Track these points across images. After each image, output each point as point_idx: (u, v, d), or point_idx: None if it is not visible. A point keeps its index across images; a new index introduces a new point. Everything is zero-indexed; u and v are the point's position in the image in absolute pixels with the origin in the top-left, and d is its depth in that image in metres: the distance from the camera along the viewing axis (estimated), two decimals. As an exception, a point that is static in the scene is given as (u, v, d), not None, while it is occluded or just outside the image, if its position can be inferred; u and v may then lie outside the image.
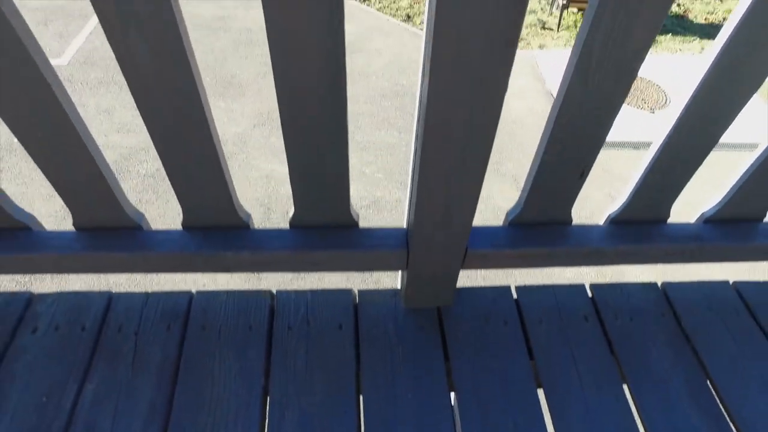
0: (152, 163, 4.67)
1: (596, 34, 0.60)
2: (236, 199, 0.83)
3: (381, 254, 0.84)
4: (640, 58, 0.63)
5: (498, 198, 4.45)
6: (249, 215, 0.87)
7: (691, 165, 0.83)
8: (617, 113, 0.71)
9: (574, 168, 0.78)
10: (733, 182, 0.92)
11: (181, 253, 0.83)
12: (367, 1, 7.21)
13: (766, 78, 0.70)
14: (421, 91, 0.64)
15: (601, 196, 4.89)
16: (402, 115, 5.12)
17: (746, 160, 0.90)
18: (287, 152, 0.73)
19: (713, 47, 0.68)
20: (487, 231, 0.88)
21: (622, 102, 0.70)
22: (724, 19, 7.81)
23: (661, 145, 0.79)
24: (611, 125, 0.72)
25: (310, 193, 0.79)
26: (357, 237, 0.85)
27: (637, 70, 0.65)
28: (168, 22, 0.55)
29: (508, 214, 0.89)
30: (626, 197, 0.90)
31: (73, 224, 0.87)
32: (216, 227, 0.85)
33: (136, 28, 0.55)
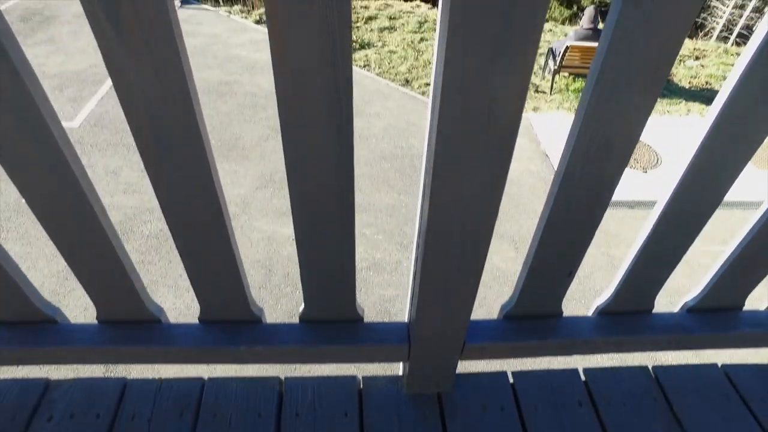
0: (156, 223, 4.75)
1: (577, 159, 0.69)
2: (250, 296, 0.90)
3: (384, 348, 0.90)
4: (614, 181, 0.72)
5: (497, 258, 4.51)
6: (261, 310, 0.93)
7: (673, 260, 0.90)
8: (599, 222, 0.79)
9: (562, 269, 0.85)
10: (712, 274, 0.99)
11: (198, 347, 0.89)
12: (367, 67, 7.56)
13: (750, 158, 0.74)
14: (421, 210, 0.72)
15: (598, 255, 4.94)
16: (401, 177, 5.27)
17: (722, 253, 0.98)
18: (299, 256, 0.81)
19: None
20: (484, 325, 0.94)
21: (603, 213, 0.78)
22: (707, 83, 8.18)
23: (644, 240, 0.86)
24: (594, 233, 0.80)
25: (320, 292, 0.86)
26: (362, 331, 0.91)
27: (614, 189, 0.74)
28: (200, 158, 0.64)
29: (502, 308, 0.96)
30: (612, 290, 0.97)
31: (97, 318, 0.93)
32: (230, 321, 0.91)
33: (172, 165, 0.64)
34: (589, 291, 4.50)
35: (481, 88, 0.54)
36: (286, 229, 4.61)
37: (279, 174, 5.27)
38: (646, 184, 5.84)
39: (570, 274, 0.86)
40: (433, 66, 0.58)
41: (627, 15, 0.52)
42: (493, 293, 4.30)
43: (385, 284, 4.15)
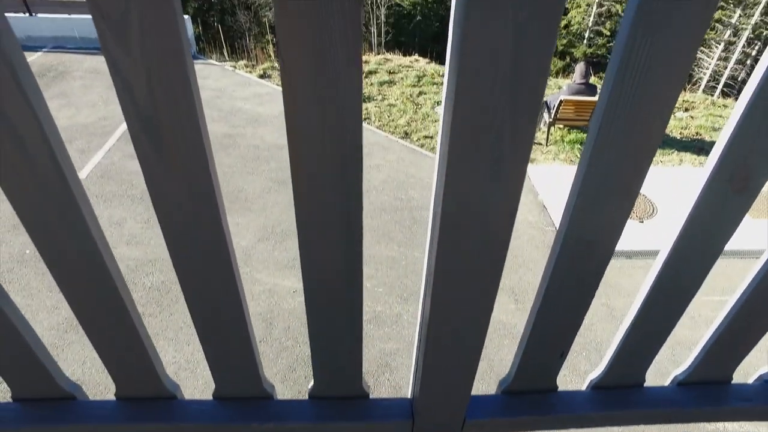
0: (158, 275, 4.79)
1: (564, 257, 0.76)
2: (263, 374, 0.95)
3: (389, 424, 0.95)
4: (600, 272, 0.79)
5: (497, 311, 4.53)
6: (272, 386, 0.98)
7: (664, 332, 0.96)
8: (588, 308, 0.86)
9: (555, 350, 0.91)
10: (699, 347, 1.05)
11: (212, 424, 0.93)
12: (367, 120, 7.82)
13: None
14: (423, 309, 0.79)
15: (597, 305, 4.98)
16: (401, 229, 5.36)
17: (709, 327, 1.03)
18: (311, 340, 0.87)
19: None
20: (483, 400, 0.99)
21: (591, 299, 0.85)
22: (697, 133, 8.43)
23: (636, 311, 0.92)
24: (583, 318, 0.87)
25: (329, 371, 0.92)
26: (368, 408, 0.95)
27: (600, 279, 0.81)
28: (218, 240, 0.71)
29: (500, 383, 1.01)
30: (604, 365, 1.02)
31: (115, 394, 0.97)
32: (243, 398, 0.96)
33: (196, 250, 0.71)
34: (590, 343, 4.51)
35: (478, 204, 0.62)
36: (287, 282, 4.65)
37: (280, 226, 5.36)
38: (643, 234, 5.92)
39: (562, 355, 0.92)
40: (434, 185, 0.66)
41: (602, 143, 0.61)
42: (494, 345, 4.30)
43: (386, 337, 4.16)
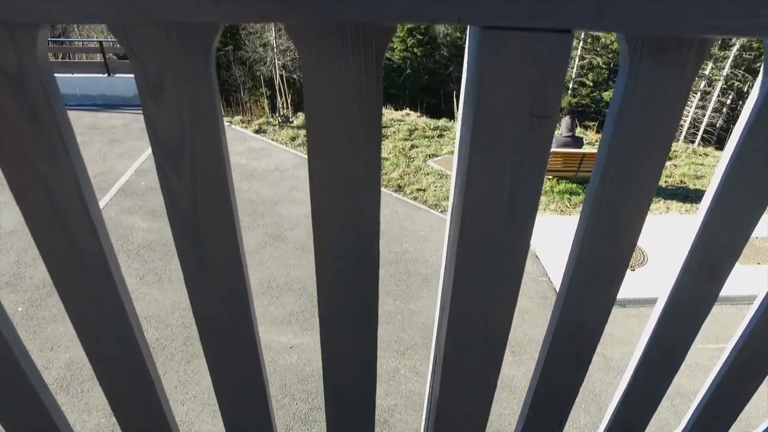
0: (152, 332, 4.75)
1: (558, 338, 0.83)
2: (276, 447, 0.99)
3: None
4: (592, 350, 0.86)
5: (493, 363, 4.53)
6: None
7: (657, 397, 1.01)
8: (581, 383, 0.92)
9: (553, 420, 0.96)
10: (691, 411, 1.10)
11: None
12: (360, 172, 8.00)
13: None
14: (431, 387, 0.85)
15: (594, 356, 4.96)
16: (396, 283, 5.40)
17: (700, 390, 1.09)
18: (326, 404, 0.91)
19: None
20: (488, 470, 1.03)
21: (584, 375, 0.91)
22: (681, 181, 8.69)
23: (631, 375, 0.98)
24: (578, 390, 0.93)
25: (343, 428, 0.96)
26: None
27: (592, 355, 0.88)
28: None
29: (504, 453, 1.05)
30: (603, 429, 1.07)
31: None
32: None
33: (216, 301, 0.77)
34: (588, 395, 4.48)
35: (481, 302, 0.70)
36: (284, 338, 4.63)
37: (276, 281, 5.38)
38: (635, 282, 6.00)
39: (560, 424, 0.97)
40: (440, 284, 0.74)
41: (590, 239, 0.70)
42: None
43: (384, 394, 4.11)
